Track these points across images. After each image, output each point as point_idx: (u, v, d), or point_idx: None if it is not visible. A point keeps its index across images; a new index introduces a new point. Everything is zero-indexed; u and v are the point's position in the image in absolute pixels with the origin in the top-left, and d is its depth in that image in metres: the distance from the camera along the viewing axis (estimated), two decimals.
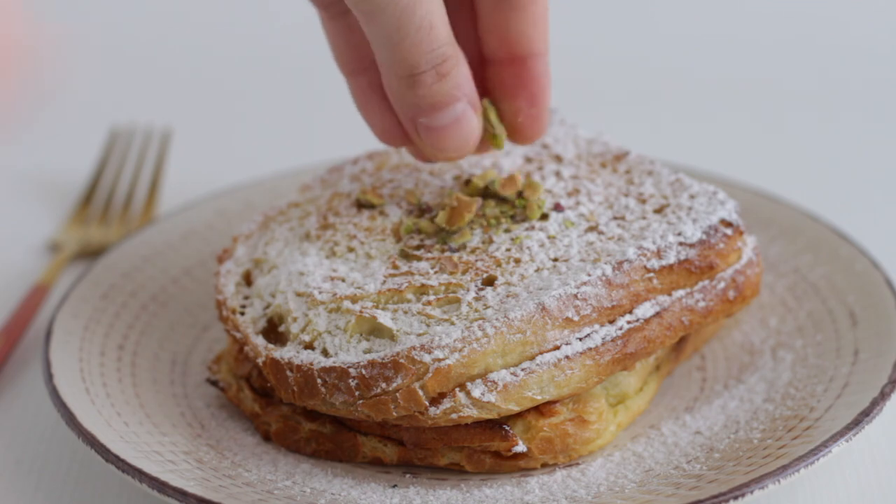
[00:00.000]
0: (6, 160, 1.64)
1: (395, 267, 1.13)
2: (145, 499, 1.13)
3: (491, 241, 1.14)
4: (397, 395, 1.06)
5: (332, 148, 1.57)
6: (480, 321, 1.06)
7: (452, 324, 1.07)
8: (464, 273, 1.11)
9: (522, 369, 1.06)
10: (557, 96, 1.49)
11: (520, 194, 1.17)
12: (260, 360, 1.11)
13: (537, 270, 1.11)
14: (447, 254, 1.13)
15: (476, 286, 1.10)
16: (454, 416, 1.06)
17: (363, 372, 1.06)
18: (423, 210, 1.18)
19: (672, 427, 1.15)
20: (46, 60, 1.84)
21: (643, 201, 1.18)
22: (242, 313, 1.16)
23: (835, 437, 1.07)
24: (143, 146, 1.57)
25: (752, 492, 1.03)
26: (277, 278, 1.16)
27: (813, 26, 1.84)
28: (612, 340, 1.09)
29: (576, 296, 1.08)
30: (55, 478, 1.15)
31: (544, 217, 1.16)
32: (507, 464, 1.10)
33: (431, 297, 1.10)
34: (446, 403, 1.06)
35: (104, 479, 1.15)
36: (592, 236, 1.14)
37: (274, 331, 1.14)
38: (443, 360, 1.05)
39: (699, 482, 1.07)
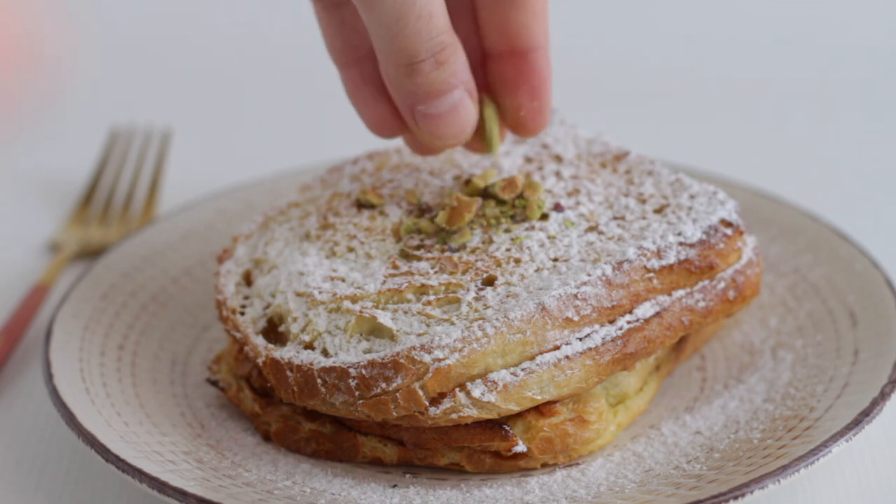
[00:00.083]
0: (6, 160, 1.64)
1: (395, 267, 1.13)
2: (145, 499, 1.13)
3: (491, 241, 1.14)
4: (397, 395, 1.06)
5: (332, 148, 1.57)
6: (480, 321, 1.06)
7: (452, 324, 1.07)
8: (464, 273, 1.11)
9: (522, 369, 1.06)
10: (557, 96, 1.49)
11: (520, 194, 1.17)
12: (260, 360, 1.11)
13: (537, 270, 1.11)
14: (447, 254, 1.13)
15: (476, 286, 1.10)
16: (454, 416, 1.06)
17: (363, 372, 1.06)
18: (423, 210, 1.18)
19: (672, 427, 1.15)
20: (47, 60, 1.84)
21: (643, 201, 1.18)
22: (242, 313, 1.16)
23: (835, 437, 1.07)
24: (143, 146, 1.57)
25: (752, 492, 1.03)
26: (277, 278, 1.16)
27: (813, 26, 1.84)
28: (612, 340, 1.09)
29: (576, 296, 1.08)
30: (55, 478, 1.15)
31: (544, 217, 1.16)
32: (507, 464, 1.10)
33: (431, 297, 1.10)
34: (446, 403, 1.06)
35: (104, 479, 1.15)
36: (592, 236, 1.14)
37: (274, 331, 1.14)
38: (443, 360, 1.05)
39: (699, 482, 1.07)
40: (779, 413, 1.14)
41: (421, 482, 1.11)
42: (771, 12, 1.87)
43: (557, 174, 1.22)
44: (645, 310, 1.11)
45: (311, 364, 1.08)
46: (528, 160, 1.23)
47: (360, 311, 1.09)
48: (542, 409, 1.09)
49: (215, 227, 1.37)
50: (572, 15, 1.87)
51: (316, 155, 1.55)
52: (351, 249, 1.16)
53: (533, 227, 1.15)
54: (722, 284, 1.14)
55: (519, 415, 1.09)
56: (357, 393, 1.07)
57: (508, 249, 1.13)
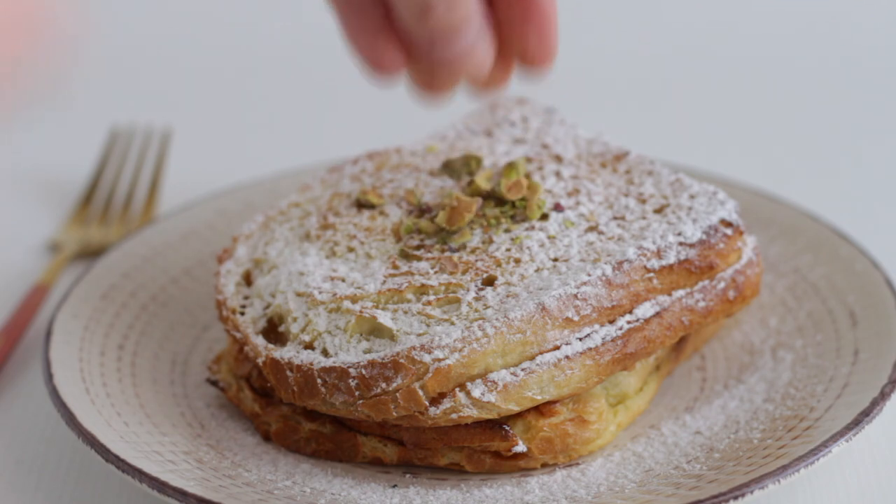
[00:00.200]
0: (6, 160, 1.64)
1: (395, 267, 1.13)
2: (145, 499, 1.13)
3: (491, 241, 1.14)
4: (397, 395, 1.06)
5: (332, 148, 1.57)
6: (480, 321, 1.06)
7: (452, 324, 1.07)
8: (464, 273, 1.11)
9: (522, 369, 1.06)
10: (557, 96, 1.49)
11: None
12: (260, 360, 1.11)
13: (537, 270, 1.11)
14: (447, 254, 1.13)
15: (476, 286, 1.10)
16: (454, 416, 1.06)
17: (363, 372, 1.06)
18: (423, 210, 1.18)
19: (672, 427, 1.15)
20: (46, 60, 1.84)
21: (643, 201, 1.18)
22: (242, 313, 1.16)
23: (835, 437, 1.07)
24: (143, 146, 1.57)
25: (752, 492, 1.03)
26: (277, 278, 1.16)
27: (813, 26, 1.84)
28: (612, 340, 1.09)
29: (576, 296, 1.08)
30: (55, 478, 1.15)
31: (544, 217, 1.16)
32: (507, 464, 1.10)
33: (431, 297, 1.10)
34: (446, 403, 1.06)
35: (104, 479, 1.15)
36: (592, 236, 1.14)
37: (274, 331, 1.14)
38: (443, 360, 1.05)
39: (699, 482, 1.07)
40: (779, 413, 1.14)
41: (421, 482, 1.11)
42: (771, 12, 1.87)
43: (557, 174, 1.22)
44: (645, 310, 1.11)
45: (311, 364, 1.08)
46: (529, 160, 1.23)
47: (360, 311, 1.09)
48: (542, 409, 1.09)
49: (215, 227, 1.36)
50: (572, 15, 1.87)
51: (316, 155, 1.55)
52: (351, 249, 1.16)
53: (533, 227, 1.15)
54: (722, 284, 1.14)
55: (519, 415, 1.09)
56: (357, 393, 1.07)
57: (508, 249, 1.13)
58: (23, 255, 1.45)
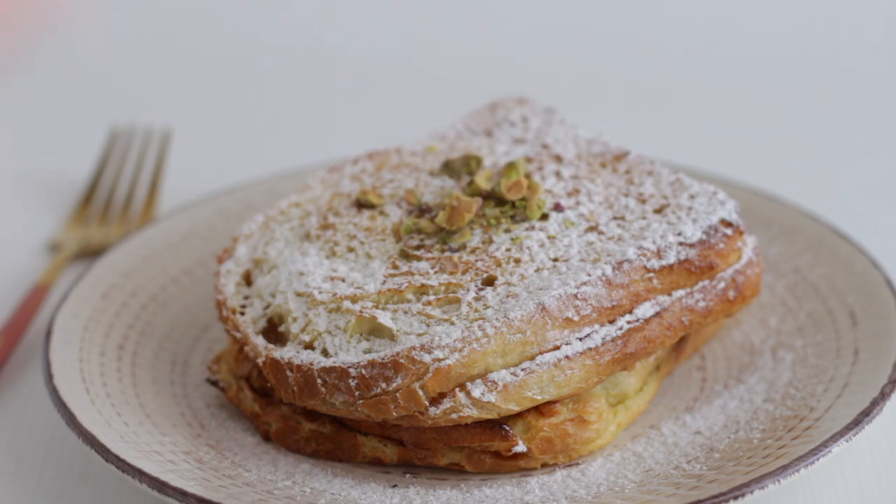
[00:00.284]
0: (6, 160, 1.64)
1: (395, 267, 1.13)
2: (145, 499, 1.13)
3: (491, 241, 1.14)
4: (397, 395, 1.06)
5: (332, 148, 1.57)
6: (480, 321, 1.06)
7: (452, 324, 1.07)
8: (464, 273, 1.11)
9: (522, 369, 1.06)
10: (557, 96, 1.49)
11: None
12: (260, 360, 1.11)
13: (537, 270, 1.11)
14: (447, 254, 1.13)
15: (476, 286, 1.10)
16: (454, 416, 1.06)
17: (363, 372, 1.06)
18: (423, 210, 1.18)
19: (672, 427, 1.15)
20: (46, 60, 1.84)
21: (643, 201, 1.18)
22: (242, 313, 1.16)
23: (835, 437, 1.07)
24: (143, 146, 1.57)
25: (752, 492, 1.03)
26: (277, 278, 1.16)
27: (813, 26, 1.84)
28: (612, 340, 1.09)
29: (576, 296, 1.08)
30: (55, 478, 1.15)
31: (544, 217, 1.16)
32: (507, 464, 1.10)
33: (431, 297, 1.10)
34: (446, 403, 1.06)
35: (104, 479, 1.15)
36: (592, 236, 1.14)
37: (274, 331, 1.14)
38: (443, 360, 1.05)
39: (699, 482, 1.07)
40: (779, 413, 1.14)
41: (421, 482, 1.11)
42: (771, 12, 1.87)
43: (557, 174, 1.22)
44: (645, 310, 1.11)
45: (311, 364, 1.08)
46: (529, 160, 1.23)
47: (360, 311, 1.09)
48: (542, 409, 1.09)
49: (215, 227, 1.36)
50: (572, 15, 1.87)
51: (316, 155, 1.55)
52: (351, 249, 1.16)
53: (533, 227, 1.15)
54: (722, 284, 1.14)
55: (519, 415, 1.09)
56: (357, 393, 1.07)
57: (508, 249, 1.13)
58: (23, 255, 1.45)
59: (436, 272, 1.12)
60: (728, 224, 1.15)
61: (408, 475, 1.12)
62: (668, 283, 1.12)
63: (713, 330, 1.23)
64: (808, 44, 1.81)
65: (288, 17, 1.88)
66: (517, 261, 1.12)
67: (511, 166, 1.19)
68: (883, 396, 1.10)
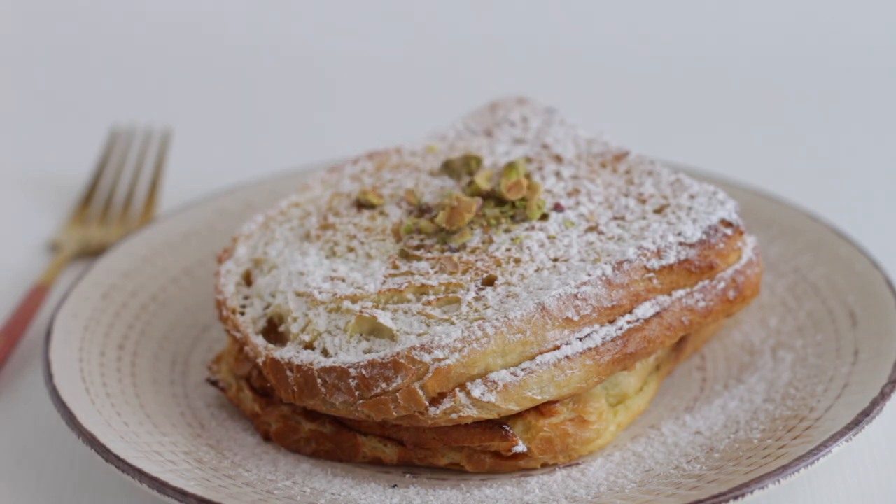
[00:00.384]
0: (6, 160, 1.64)
1: (395, 267, 1.13)
2: (145, 499, 1.13)
3: (491, 241, 1.14)
4: (397, 395, 1.06)
5: (332, 148, 1.57)
6: (480, 321, 1.06)
7: (452, 324, 1.07)
8: (464, 273, 1.11)
9: (522, 369, 1.06)
10: (557, 96, 1.49)
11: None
12: (260, 360, 1.11)
13: (537, 270, 1.11)
14: (447, 254, 1.13)
15: (476, 286, 1.10)
16: (454, 416, 1.06)
17: (363, 372, 1.06)
18: (423, 210, 1.18)
19: (672, 427, 1.15)
20: (46, 60, 1.84)
21: (643, 201, 1.18)
22: (242, 313, 1.16)
23: (835, 437, 1.07)
24: (143, 146, 1.57)
25: (752, 492, 1.03)
26: (277, 278, 1.16)
27: (814, 26, 1.84)
28: (612, 340, 1.09)
29: (576, 296, 1.08)
30: (55, 478, 1.15)
31: (544, 217, 1.16)
32: (507, 464, 1.10)
33: (431, 297, 1.10)
34: (446, 403, 1.06)
35: (104, 479, 1.15)
36: (592, 236, 1.14)
37: (274, 331, 1.14)
38: (443, 360, 1.05)
39: (699, 482, 1.07)
40: (779, 413, 1.14)
41: (421, 482, 1.11)
42: (771, 12, 1.87)
43: (557, 174, 1.22)
44: (645, 310, 1.11)
45: (311, 364, 1.08)
46: (529, 160, 1.23)
47: (360, 311, 1.09)
48: (542, 409, 1.09)
49: (215, 227, 1.36)
50: (572, 15, 1.87)
51: (316, 155, 1.55)
52: (351, 249, 1.16)
53: (533, 227, 1.15)
54: (722, 284, 1.14)
55: (519, 415, 1.09)
56: (357, 393, 1.07)
57: (508, 249, 1.13)
58: (23, 255, 1.45)
59: (436, 272, 1.12)
60: (728, 224, 1.15)
61: (408, 475, 1.12)
62: (668, 283, 1.12)
63: (713, 330, 1.23)
64: (808, 44, 1.81)
65: (288, 17, 1.88)
66: (517, 261, 1.12)
67: (511, 166, 1.19)
68: (883, 396, 1.10)
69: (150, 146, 1.57)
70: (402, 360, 1.05)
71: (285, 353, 1.10)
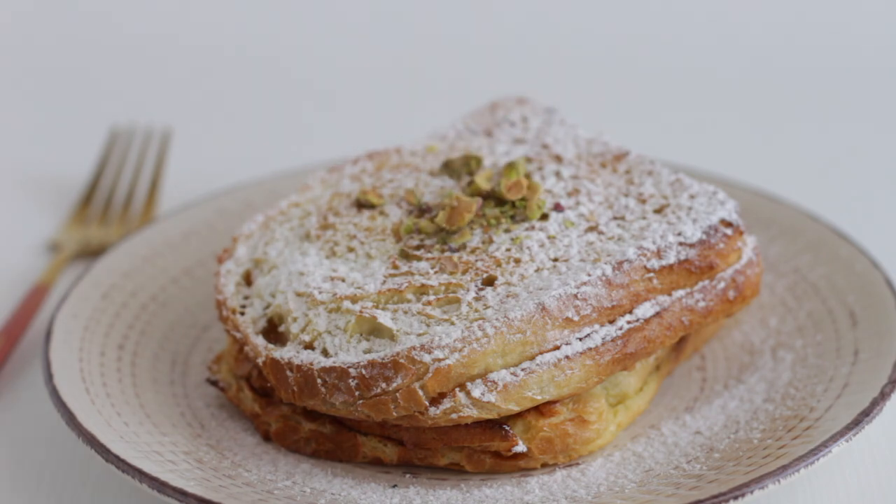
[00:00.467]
0: (6, 160, 1.64)
1: (395, 267, 1.13)
2: (145, 499, 1.13)
3: (491, 241, 1.14)
4: (397, 395, 1.06)
5: (332, 148, 1.57)
6: (480, 321, 1.06)
7: (452, 324, 1.07)
8: (464, 273, 1.11)
9: (522, 369, 1.06)
10: (557, 96, 1.49)
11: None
12: (260, 360, 1.11)
13: (537, 270, 1.11)
14: (447, 254, 1.13)
15: (476, 286, 1.10)
16: (454, 416, 1.06)
17: (363, 372, 1.06)
18: (423, 210, 1.18)
19: (672, 427, 1.15)
20: (46, 60, 1.84)
21: (643, 201, 1.18)
22: (242, 313, 1.16)
23: (835, 437, 1.07)
24: (143, 146, 1.57)
25: (752, 492, 1.03)
26: (277, 278, 1.16)
27: (814, 25, 1.84)
28: (612, 340, 1.09)
29: (576, 296, 1.08)
30: (55, 477, 1.15)
31: (544, 217, 1.16)
32: (507, 464, 1.10)
33: (431, 297, 1.10)
34: (446, 403, 1.06)
35: (104, 479, 1.15)
36: (592, 236, 1.14)
37: (274, 331, 1.14)
38: (443, 360, 1.05)
39: (699, 482, 1.07)
40: (779, 413, 1.14)
41: (421, 482, 1.11)
42: (771, 11, 1.87)
43: (557, 174, 1.22)
44: (645, 310, 1.11)
45: (311, 364, 1.08)
46: (529, 160, 1.23)
47: (360, 311, 1.09)
48: (542, 409, 1.09)
49: (215, 227, 1.37)
50: (572, 14, 1.87)
51: (316, 155, 1.55)
52: (351, 249, 1.16)
53: (533, 227, 1.15)
54: (722, 284, 1.14)
55: (519, 415, 1.09)
56: (357, 393, 1.07)
57: (508, 249, 1.13)
58: (23, 255, 1.45)
59: (436, 272, 1.12)
60: (728, 224, 1.15)
61: (408, 475, 1.12)
62: (668, 283, 1.12)
63: (713, 330, 1.23)
64: (808, 43, 1.81)
65: (288, 17, 1.88)
66: (517, 261, 1.12)
67: (511, 166, 1.19)
68: (883, 396, 1.10)
69: (150, 146, 1.57)
70: (402, 360, 1.05)
71: (285, 353, 1.10)
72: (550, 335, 1.07)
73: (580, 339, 1.08)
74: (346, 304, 1.10)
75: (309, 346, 1.10)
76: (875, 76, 1.74)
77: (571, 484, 1.10)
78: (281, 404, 1.14)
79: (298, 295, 1.13)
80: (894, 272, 1.30)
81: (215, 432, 1.16)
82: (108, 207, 1.50)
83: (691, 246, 1.13)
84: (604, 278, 1.09)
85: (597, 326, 1.09)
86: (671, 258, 1.12)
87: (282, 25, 1.88)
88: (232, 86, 1.79)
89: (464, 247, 1.14)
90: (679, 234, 1.13)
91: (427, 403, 1.06)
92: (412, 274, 1.12)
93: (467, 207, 1.15)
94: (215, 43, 1.86)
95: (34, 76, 1.82)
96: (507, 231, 1.15)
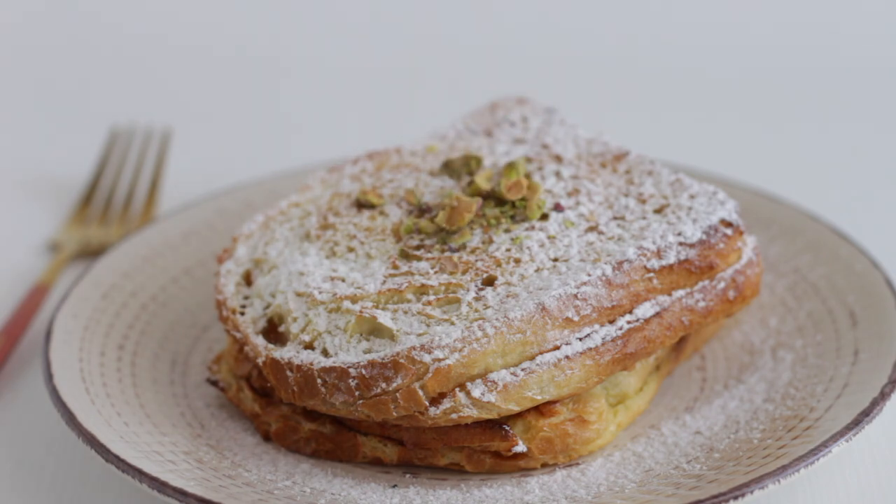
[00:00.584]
0: (6, 160, 1.64)
1: (395, 267, 1.13)
2: (145, 499, 1.13)
3: (491, 241, 1.14)
4: (397, 395, 1.06)
5: (332, 148, 1.57)
6: (480, 321, 1.06)
7: (452, 324, 1.07)
8: (464, 273, 1.11)
9: (522, 369, 1.06)
10: (557, 96, 1.49)
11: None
12: (260, 360, 1.11)
13: (537, 270, 1.11)
14: (447, 254, 1.13)
15: (476, 286, 1.10)
16: (454, 416, 1.06)
17: (363, 372, 1.06)
18: (423, 210, 1.18)
19: (672, 427, 1.15)
20: (46, 60, 1.84)
21: (643, 201, 1.18)
22: (242, 313, 1.16)
23: (835, 437, 1.07)
24: (143, 146, 1.57)
25: (752, 492, 1.03)
26: (277, 278, 1.16)
27: (814, 26, 1.84)
28: (612, 340, 1.09)
29: (576, 296, 1.08)
30: (55, 478, 1.15)
31: (544, 217, 1.16)
32: (507, 464, 1.10)
33: (431, 297, 1.10)
34: (446, 403, 1.06)
35: (104, 479, 1.15)
36: (592, 236, 1.14)
37: (274, 331, 1.14)
38: (443, 360, 1.05)
39: (699, 482, 1.07)
40: (779, 413, 1.14)
41: (421, 482, 1.11)
42: (771, 11, 1.87)
43: (557, 174, 1.22)
44: (645, 310, 1.11)
45: (311, 364, 1.08)
46: (529, 160, 1.23)
47: (360, 311, 1.09)
48: (542, 409, 1.09)
49: (215, 227, 1.37)
50: (572, 14, 1.87)
51: (316, 155, 1.55)
52: (351, 249, 1.16)
53: (533, 228, 1.15)
54: (722, 284, 1.14)
55: (519, 415, 1.09)
56: (357, 393, 1.07)
57: (508, 249, 1.13)
58: (23, 255, 1.45)
59: (436, 272, 1.12)
60: (728, 224, 1.15)
61: (408, 475, 1.12)
62: (668, 283, 1.12)
63: (713, 330, 1.23)
64: (808, 43, 1.81)
65: (287, 17, 1.88)
66: (517, 261, 1.12)
67: (511, 166, 1.19)
68: (883, 396, 1.10)
69: (150, 146, 1.57)
70: (402, 360, 1.05)
71: (285, 353, 1.10)
72: (550, 335, 1.07)
73: (580, 339, 1.08)
74: (346, 304, 1.10)
75: (309, 346, 1.10)
76: (875, 76, 1.74)
77: (571, 484, 1.10)
78: (281, 404, 1.14)
79: (298, 295, 1.13)
80: (894, 272, 1.30)
81: (215, 432, 1.16)
82: (108, 207, 1.50)
83: (691, 246, 1.13)
84: (604, 278, 1.09)
85: (597, 326, 1.09)
86: (671, 258, 1.12)
87: (282, 25, 1.88)
88: (232, 86, 1.79)
89: (464, 247, 1.14)
90: (679, 234, 1.13)
91: (427, 403, 1.06)
92: (412, 274, 1.12)
93: (467, 207, 1.15)
94: (215, 43, 1.86)
95: (34, 76, 1.82)
96: (507, 231, 1.15)
